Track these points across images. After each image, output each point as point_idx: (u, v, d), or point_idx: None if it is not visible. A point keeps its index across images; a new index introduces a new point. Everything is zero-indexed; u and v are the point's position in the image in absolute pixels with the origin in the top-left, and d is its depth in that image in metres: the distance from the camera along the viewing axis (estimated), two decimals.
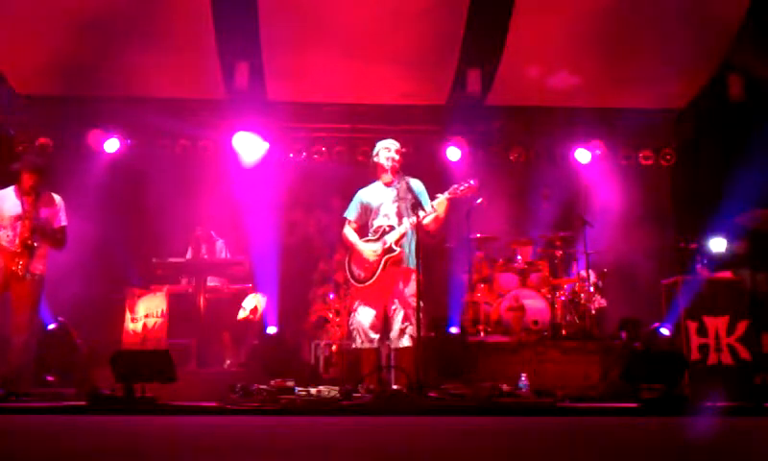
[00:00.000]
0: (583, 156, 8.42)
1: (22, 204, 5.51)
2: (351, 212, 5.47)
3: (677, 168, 8.47)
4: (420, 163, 8.00)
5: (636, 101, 8.16)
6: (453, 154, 8.29)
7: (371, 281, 5.22)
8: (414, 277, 5.13)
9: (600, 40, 7.27)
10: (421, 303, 5.07)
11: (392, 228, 5.26)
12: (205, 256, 7.31)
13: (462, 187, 5.20)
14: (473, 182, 5.21)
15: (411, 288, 5.16)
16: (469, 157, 8.37)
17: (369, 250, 5.26)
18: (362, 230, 5.42)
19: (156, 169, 8.09)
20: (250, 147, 8.16)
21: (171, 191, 7.91)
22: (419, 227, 5.09)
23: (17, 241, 5.43)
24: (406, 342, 5.10)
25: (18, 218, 5.48)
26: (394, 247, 5.19)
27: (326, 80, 7.77)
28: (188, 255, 7.39)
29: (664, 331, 6.43)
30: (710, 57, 7.48)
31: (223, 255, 7.44)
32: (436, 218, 5.21)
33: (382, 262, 5.20)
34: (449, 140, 8.29)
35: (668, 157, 8.43)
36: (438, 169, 8.14)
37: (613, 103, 8.21)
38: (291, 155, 8.47)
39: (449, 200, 5.21)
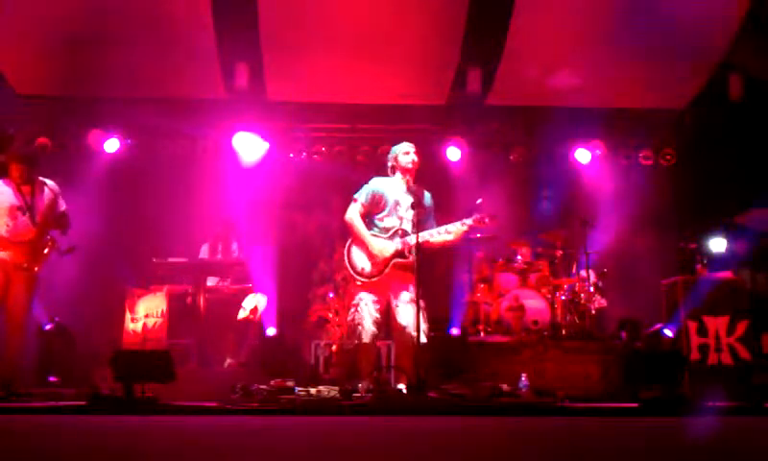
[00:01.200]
0: (583, 156, 8.41)
1: (22, 195, 5.52)
2: (363, 195, 5.39)
3: (677, 168, 8.47)
4: (421, 163, 8.00)
5: (636, 101, 8.16)
6: (453, 154, 8.29)
7: (375, 279, 5.22)
8: (415, 279, 5.13)
9: (600, 40, 7.27)
10: (422, 303, 5.09)
11: (405, 233, 5.25)
12: (219, 256, 7.33)
13: (485, 220, 5.22)
14: (488, 220, 5.22)
15: (414, 291, 5.14)
16: (469, 157, 8.37)
17: (379, 247, 5.22)
18: (367, 219, 5.38)
19: (156, 169, 8.08)
20: (250, 147, 8.16)
21: (171, 191, 7.91)
22: (426, 243, 5.16)
23: (38, 236, 5.45)
24: (422, 339, 5.05)
25: (18, 208, 5.48)
26: (407, 254, 5.19)
27: (326, 80, 7.76)
28: (203, 253, 7.39)
29: (668, 332, 6.42)
30: (710, 57, 7.48)
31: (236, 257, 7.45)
32: (454, 240, 5.24)
33: (390, 263, 5.20)
34: (449, 140, 8.29)
35: (668, 157, 8.43)
36: (438, 169, 8.14)
37: (613, 103, 8.20)
38: (291, 155, 8.47)
39: (469, 227, 5.24)
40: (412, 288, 5.18)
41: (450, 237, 5.24)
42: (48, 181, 5.69)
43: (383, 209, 5.34)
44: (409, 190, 5.36)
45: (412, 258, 5.16)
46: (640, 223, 8.03)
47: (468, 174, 8.24)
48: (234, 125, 8.07)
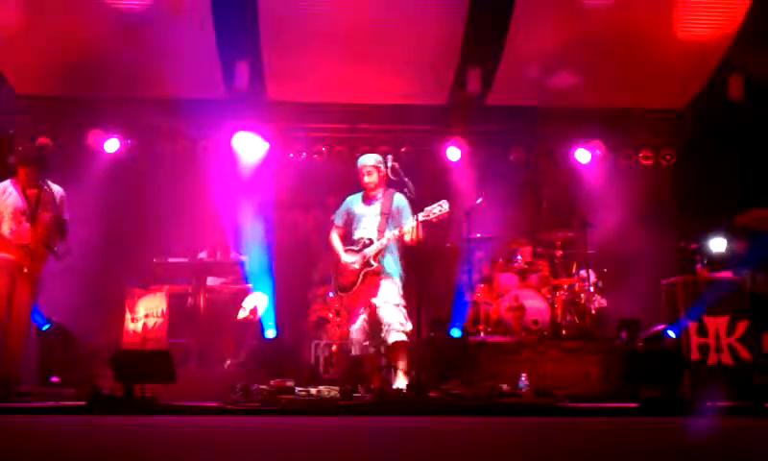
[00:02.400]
0: (583, 156, 8.41)
1: (27, 199, 5.52)
2: (338, 217, 5.69)
3: (677, 168, 8.46)
4: (420, 163, 8.02)
5: (636, 101, 8.15)
6: (453, 154, 8.28)
7: (350, 292, 5.39)
8: (392, 281, 5.28)
9: (600, 40, 7.26)
10: (405, 303, 5.22)
11: (371, 241, 5.37)
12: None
13: (434, 212, 5.22)
14: (446, 208, 5.21)
15: (388, 292, 5.27)
16: (469, 157, 8.36)
17: (347, 261, 5.42)
18: (346, 238, 5.60)
19: (156, 169, 8.08)
20: (250, 147, 8.16)
21: (171, 191, 7.90)
22: (400, 241, 5.28)
23: (36, 239, 5.44)
24: (395, 337, 5.13)
25: (23, 212, 5.49)
26: (372, 262, 5.31)
27: (326, 80, 7.76)
28: (202, 255, 7.39)
29: (671, 334, 6.41)
30: (710, 57, 7.48)
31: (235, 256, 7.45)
32: (412, 239, 5.25)
33: (361, 275, 5.34)
34: (449, 140, 8.28)
35: (668, 157, 8.42)
36: (438, 169, 8.13)
37: (613, 103, 8.20)
38: (291, 155, 8.47)
39: (420, 223, 5.22)
40: (385, 294, 5.27)
41: (407, 237, 5.25)
42: (55, 187, 5.69)
43: (355, 224, 5.55)
44: (377, 197, 5.52)
45: (377, 265, 5.30)
46: (641, 223, 8.02)
47: (468, 174, 8.24)
48: (234, 125, 8.07)
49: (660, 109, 8.30)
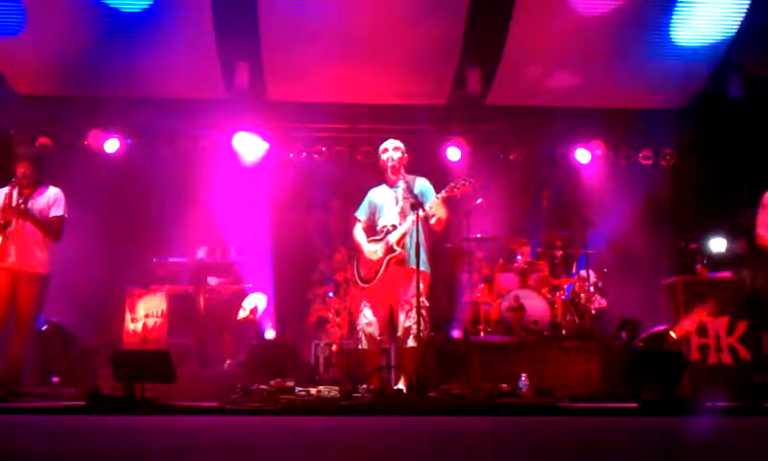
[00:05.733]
0: (583, 156, 8.42)
1: (23, 196, 5.50)
2: (361, 212, 5.53)
3: (677, 168, 8.47)
4: (420, 163, 7.97)
5: (636, 101, 8.16)
6: (453, 154, 8.29)
7: (374, 282, 5.24)
8: (418, 274, 5.08)
9: (600, 40, 7.27)
10: (426, 303, 5.08)
11: (394, 227, 5.26)
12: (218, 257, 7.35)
13: (458, 185, 5.19)
14: (471, 181, 5.20)
15: (414, 290, 5.12)
16: (469, 157, 8.36)
17: (371, 250, 5.28)
18: (370, 230, 5.46)
19: (156, 169, 8.08)
20: (250, 147, 8.16)
21: (171, 191, 7.90)
22: (422, 225, 5.10)
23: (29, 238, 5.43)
24: (411, 342, 5.09)
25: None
26: (395, 247, 5.19)
27: (326, 80, 7.77)
28: (201, 254, 7.40)
29: (673, 335, 6.40)
30: (710, 57, 7.48)
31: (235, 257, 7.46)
32: (438, 219, 5.21)
33: (384, 262, 5.20)
34: (449, 140, 8.28)
35: (668, 157, 8.43)
36: (438, 169, 8.13)
37: (613, 103, 8.20)
38: (291, 155, 8.47)
39: (444, 199, 5.20)
40: (410, 290, 5.17)
41: (436, 217, 5.17)
42: (52, 188, 5.65)
43: (377, 214, 5.42)
44: (396, 183, 5.39)
45: (401, 251, 5.17)
46: (641, 223, 8.02)
47: (467, 174, 8.22)
48: (234, 125, 8.07)
49: (660, 110, 8.30)
